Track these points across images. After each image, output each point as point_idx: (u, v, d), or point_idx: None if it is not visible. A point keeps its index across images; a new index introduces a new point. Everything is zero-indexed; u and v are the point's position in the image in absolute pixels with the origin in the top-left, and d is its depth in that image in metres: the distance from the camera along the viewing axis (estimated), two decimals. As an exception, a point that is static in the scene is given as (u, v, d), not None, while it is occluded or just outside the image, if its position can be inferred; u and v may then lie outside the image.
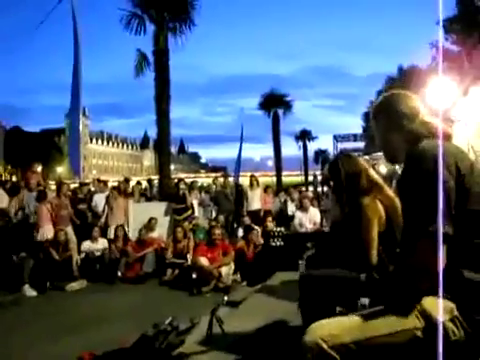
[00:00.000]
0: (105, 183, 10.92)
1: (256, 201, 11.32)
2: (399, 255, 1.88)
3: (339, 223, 3.17)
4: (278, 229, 7.80)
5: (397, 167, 5.03)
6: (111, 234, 9.10)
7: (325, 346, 1.47)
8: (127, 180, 12.48)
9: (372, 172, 2.95)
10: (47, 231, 8.34)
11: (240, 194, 11.56)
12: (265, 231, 8.42)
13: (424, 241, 1.47)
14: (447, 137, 1.70)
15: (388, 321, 1.49)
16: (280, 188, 15.90)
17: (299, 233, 8.71)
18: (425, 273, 1.47)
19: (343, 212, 3.02)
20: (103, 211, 9.57)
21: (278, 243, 7.56)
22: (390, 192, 2.77)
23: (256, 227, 8.98)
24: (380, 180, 2.90)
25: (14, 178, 34.81)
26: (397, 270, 1.73)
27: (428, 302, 1.48)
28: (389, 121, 1.85)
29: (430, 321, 1.45)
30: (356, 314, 1.59)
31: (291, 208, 11.78)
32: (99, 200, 9.83)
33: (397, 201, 2.50)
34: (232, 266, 7.43)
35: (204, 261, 7.20)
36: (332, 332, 1.50)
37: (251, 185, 11.70)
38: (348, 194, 2.84)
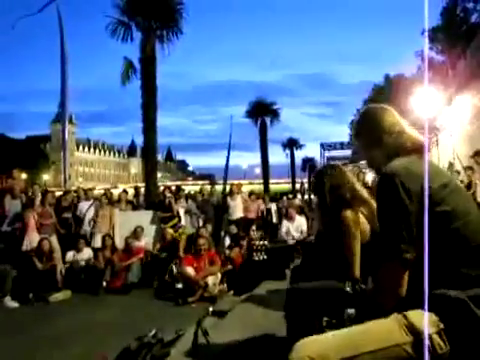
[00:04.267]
0: (86, 192, 10.75)
1: (238, 210, 11.27)
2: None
3: (323, 233, 3.17)
4: (261, 243, 7.82)
5: (369, 177, 5.06)
6: (96, 243, 8.98)
7: None
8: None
9: (357, 185, 2.95)
10: (33, 240, 8.17)
11: (224, 202, 11.51)
12: (249, 241, 8.42)
13: (385, 265, 1.54)
14: (421, 150, 1.70)
15: (376, 337, 1.47)
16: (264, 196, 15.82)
17: (282, 246, 8.72)
18: (388, 297, 1.54)
19: (324, 222, 3.01)
20: (84, 218, 9.44)
21: (261, 257, 7.57)
22: (374, 205, 2.76)
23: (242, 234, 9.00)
24: (365, 193, 2.89)
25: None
26: (369, 291, 1.77)
27: (415, 316, 1.46)
28: (370, 137, 1.88)
29: (418, 336, 1.43)
30: (343, 330, 1.56)
31: (274, 217, 11.80)
32: (84, 208, 9.70)
33: None
34: (219, 276, 7.36)
35: (190, 271, 7.12)
36: (319, 350, 1.47)
37: (231, 194, 11.64)
38: (330, 205, 2.82)
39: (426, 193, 1.43)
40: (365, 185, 3.34)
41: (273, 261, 7.37)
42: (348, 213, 2.71)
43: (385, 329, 1.48)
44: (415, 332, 1.43)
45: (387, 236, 1.54)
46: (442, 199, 1.55)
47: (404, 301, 1.50)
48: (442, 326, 1.45)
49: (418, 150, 1.71)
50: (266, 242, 7.77)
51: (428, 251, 1.40)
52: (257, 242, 7.68)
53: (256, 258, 7.43)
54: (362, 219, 2.73)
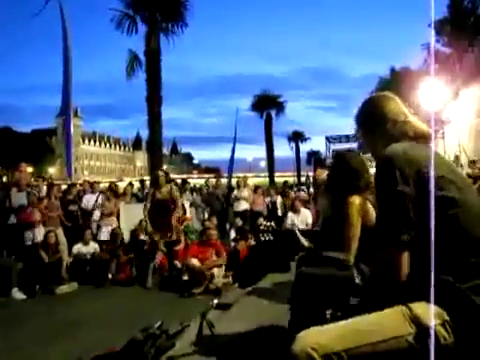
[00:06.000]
0: (92, 184, 10.78)
1: (244, 202, 11.33)
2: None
3: (329, 219, 3.17)
4: (268, 223, 7.81)
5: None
6: (102, 236, 9.02)
7: (315, 355, 1.42)
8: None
9: (372, 175, 2.94)
10: (39, 233, 8.20)
11: (229, 195, 11.59)
12: (255, 229, 8.44)
13: (381, 248, 1.50)
14: (426, 138, 1.69)
15: (379, 328, 1.46)
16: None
17: (289, 229, 8.68)
18: (386, 283, 1.51)
19: (332, 206, 3.02)
20: (91, 211, 9.51)
21: (267, 237, 7.57)
22: None
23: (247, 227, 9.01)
24: None
25: (4, 179, 34.48)
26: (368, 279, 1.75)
27: (419, 307, 1.46)
28: (373, 127, 1.84)
29: (421, 327, 1.42)
30: (346, 321, 1.55)
31: (280, 209, 11.84)
32: (90, 200, 9.75)
33: None
34: (224, 268, 7.38)
35: (196, 262, 7.16)
36: (322, 340, 1.46)
37: (238, 186, 11.78)
38: (341, 189, 2.82)
39: (432, 180, 1.42)
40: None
41: (279, 243, 7.34)
42: (354, 198, 2.70)
43: (389, 320, 1.47)
44: (419, 323, 1.43)
45: (382, 219, 1.53)
46: (444, 186, 1.53)
47: (408, 290, 1.48)
48: (447, 317, 1.43)
49: (421, 138, 1.69)
50: (273, 224, 7.79)
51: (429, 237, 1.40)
52: (264, 223, 7.72)
53: (262, 238, 7.44)
54: (369, 207, 2.72)
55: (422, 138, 1.70)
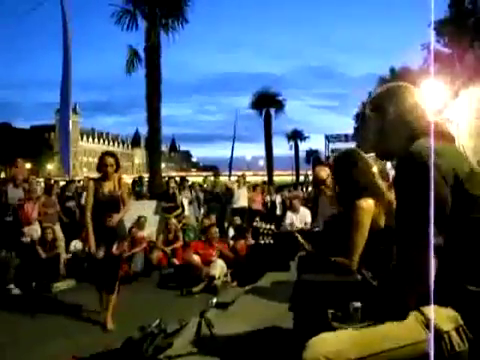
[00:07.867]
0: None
1: (242, 199, 11.36)
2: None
3: (332, 222, 3.11)
4: (267, 226, 7.76)
5: (388, 166, 4.91)
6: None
7: None
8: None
9: (377, 175, 2.86)
10: (34, 230, 8.12)
11: (229, 193, 11.62)
12: (253, 228, 8.42)
13: (408, 250, 1.41)
14: (450, 139, 1.62)
15: (394, 335, 1.40)
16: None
17: (289, 231, 8.65)
18: (412, 286, 1.42)
19: (339, 209, 2.95)
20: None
21: (267, 241, 7.52)
22: (391, 197, 2.65)
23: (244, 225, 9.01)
24: (383, 185, 2.80)
25: (2, 175, 34.37)
26: (388, 282, 1.66)
27: (432, 312, 1.39)
28: (392, 114, 1.70)
29: (436, 332, 1.36)
30: (359, 327, 1.49)
31: (279, 208, 11.87)
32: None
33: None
34: (224, 267, 7.33)
35: (197, 259, 7.14)
36: (335, 348, 1.39)
37: (238, 184, 11.89)
38: (348, 192, 2.74)
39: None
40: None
41: (279, 246, 7.31)
42: (364, 203, 2.62)
43: (403, 326, 1.41)
44: (434, 329, 1.36)
45: (411, 219, 1.41)
46: (473, 185, 1.45)
47: (423, 295, 1.41)
48: (461, 322, 1.37)
49: (441, 134, 1.59)
50: (273, 226, 7.74)
51: (453, 239, 1.33)
52: (263, 225, 7.68)
53: (262, 241, 7.38)
54: (375, 209, 2.65)
55: (444, 137, 1.60)
